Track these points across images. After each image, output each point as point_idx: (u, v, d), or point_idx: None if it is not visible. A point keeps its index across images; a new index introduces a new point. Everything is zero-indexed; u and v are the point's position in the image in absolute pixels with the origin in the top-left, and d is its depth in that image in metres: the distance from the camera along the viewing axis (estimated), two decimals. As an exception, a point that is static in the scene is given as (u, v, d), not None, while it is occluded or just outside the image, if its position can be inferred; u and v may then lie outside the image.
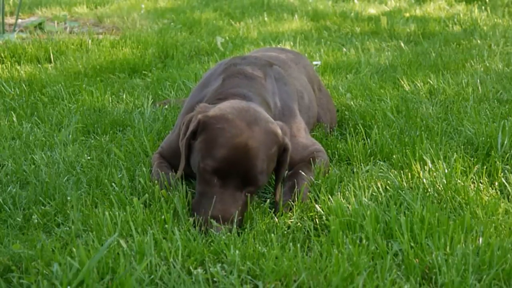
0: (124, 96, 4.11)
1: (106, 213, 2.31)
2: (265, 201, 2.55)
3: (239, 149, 2.34)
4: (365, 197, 2.48)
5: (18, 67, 4.91)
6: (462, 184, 2.55)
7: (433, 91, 4.12)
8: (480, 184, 2.63)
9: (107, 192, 2.61)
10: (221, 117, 2.41)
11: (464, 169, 2.76)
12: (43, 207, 2.50)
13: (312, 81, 3.41)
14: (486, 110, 3.59)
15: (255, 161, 2.35)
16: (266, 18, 7.34)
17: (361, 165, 2.92)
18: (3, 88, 4.25)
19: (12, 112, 3.74)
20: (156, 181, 2.61)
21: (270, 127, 2.44)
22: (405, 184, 2.63)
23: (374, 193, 2.54)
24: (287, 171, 2.72)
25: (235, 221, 2.29)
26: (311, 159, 2.76)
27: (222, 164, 2.33)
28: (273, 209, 2.49)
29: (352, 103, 3.84)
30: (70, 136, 3.33)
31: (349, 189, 2.57)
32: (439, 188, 2.56)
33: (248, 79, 2.83)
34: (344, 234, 2.21)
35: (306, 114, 3.08)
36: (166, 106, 3.85)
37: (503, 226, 2.27)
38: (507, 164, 2.84)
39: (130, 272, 1.96)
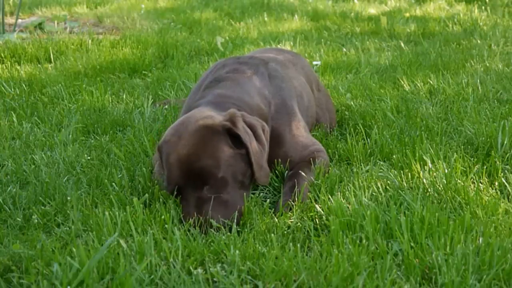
0: (124, 96, 4.11)
1: (106, 213, 2.31)
2: (265, 201, 2.54)
3: (178, 164, 2.38)
4: (365, 197, 2.48)
5: (18, 67, 4.92)
6: (462, 184, 2.55)
7: (433, 91, 4.12)
8: (480, 184, 2.63)
9: (107, 192, 2.61)
10: (163, 143, 2.49)
11: (464, 169, 2.76)
12: (43, 207, 2.50)
13: (311, 82, 3.40)
14: (486, 110, 3.59)
15: (195, 163, 2.37)
16: (266, 18, 7.34)
17: (361, 165, 2.92)
18: (3, 88, 4.25)
19: (12, 112, 3.74)
20: (156, 182, 2.61)
21: (199, 124, 2.44)
22: (405, 184, 2.63)
23: (374, 193, 2.54)
24: (287, 171, 2.72)
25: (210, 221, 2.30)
26: (311, 159, 2.76)
27: (172, 183, 2.41)
28: (273, 209, 2.49)
29: (352, 103, 3.84)
30: (70, 136, 3.33)
31: (349, 189, 2.57)
32: (439, 188, 2.56)
33: (215, 83, 2.84)
34: (344, 234, 2.21)
35: (305, 114, 3.07)
36: (166, 106, 3.85)
37: (503, 226, 2.27)
38: (507, 164, 2.84)
39: (130, 272, 1.96)
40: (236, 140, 2.45)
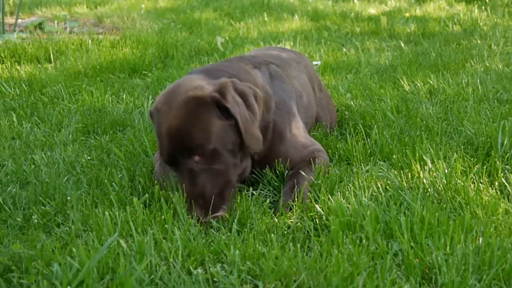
0: (124, 96, 4.11)
1: (106, 213, 2.31)
2: (265, 201, 2.54)
3: (168, 135, 2.42)
4: (365, 197, 2.48)
5: (18, 67, 4.92)
6: (462, 184, 2.55)
7: (433, 91, 4.12)
8: (480, 184, 2.63)
9: (107, 192, 2.61)
10: (154, 110, 2.54)
11: (464, 169, 2.76)
12: (43, 207, 2.50)
13: (313, 81, 3.41)
14: (486, 110, 3.59)
15: (184, 136, 2.39)
16: (266, 18, 7.34)
17: (361, 165, 2.92)
18: (3, 88, 4.25)
19: (12, 112, 3.74)
20: (156, 182, 2.61)
21: (188, 95, 2.45)
22: (405, 184, 2.63)
23: (374, 193, 2.54)
24: (287, 171, 2.72)
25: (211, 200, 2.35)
26: (311, 159, 2.76)
27: (164, 153, 2.45)
28: (273, 209, 2.49)
29: (352, 103, 3.84)
30: (70, 136, 3.33)
31: (349, 189, 2.57)
32: (439, 188, 2.56)
33: (230, 67, 2.84)
34: (344, 234, 2.21)
35: (304, 114, 3.07)
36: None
37: (503, 226, 2.27)
38: (507, 164, 2.84)
39: (130, 272, 1.96)
40: (226, 111, 2.46)
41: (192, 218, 2.32)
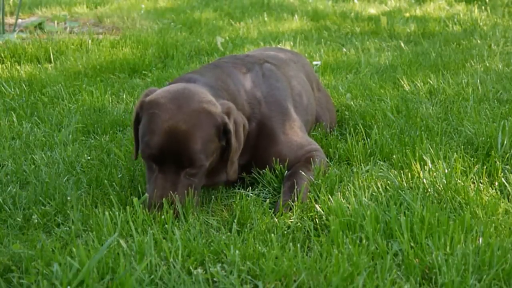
0: (124, 96, 4.11)
1: (106, 213, 2.31)
2: (265, 201, 2.54)
3: (170, 134, 2.37)
4: (365, 197, 2.48)
5: (18, 67, 4.91)
6: (462, 184, 2.55)
7: (433, 91, 4.12)
8: (480, 184, 2.63)
9: (107, 192, 2.61)
10: (154, 102, 2.45)
11: (464, 169, 2.76)
12: (43, 207, 2.50)
13: (311, 80, 3.40)
14: (486, 110, 3.59)
15: (187, 144, 2.38)
16: (266, 18, 7.34)
17: (361, 165, 2.92)
18: (3, 88, 4.25)
19: (12, 112, 3.74)
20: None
21: (203, 107, 2.43)
22: (405, 184, 2.63)
23: (374, 193, 2.54)
24: (286, 171, 2.72)
25: (179, 203, 2.36)
26: (311, 158, 2.76)
27: (155, 150, 2.39)
28: (273, 209, 2.49)
29: (352, 103, 3.84)
30: (70, 136, 3.33)
31: (349, 189, 2.57)
32: (439, 188, 2.56)
33: (214, 67, 2.87)
34: (344, 234, 2.21)
35: (304, 113, 3.07)
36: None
37: (503, 226, 2.27)
38: (507, 164, 2.84)
39: (130, 272, 1.95)
40: (225, 134, 2.48)
41: (151, 214, 2.34)
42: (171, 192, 2.37)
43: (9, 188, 2.66)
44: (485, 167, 2.78)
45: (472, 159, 2.89)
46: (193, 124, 2.39)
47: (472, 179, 2.67)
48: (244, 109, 2.72)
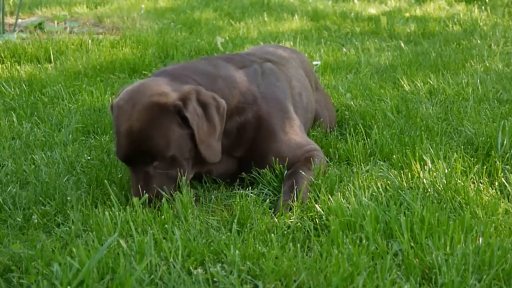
0: (124, 96, 4.11)
1: (106, 213, 2.31)
2: (265, 201, 2.54)
3: (127, 135, 2.46)
4: (365, 197, 2.48)
5: (18, 67, 4.91)
6: (462, 184, 2.55)
7: (433, 91, 4.12)
8: (480, 184, 2.63)
9: (107, 192, 2.61)
10: (115, 106, 2.56)
11: (464, 169, 2.76)
12: (43, 207, 2.50)
13: (310, 77, 3.40)
14: (486, 110, 3.59)
15: (144, 141, 2.44)
16: (266, 18, 7.34)
17: (361, 165, 2.92)
18: (3, 88, 4.25)
19: (12, 112, 3.75)
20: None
21: (153, 101, 2.47)
22: (405, 184, 2.63)
23: (374, 193, 2.54)
24: (286, 171, 2.72)
25: (156, 197, 2.44)
26: (311, 158, 2.75)
27: (120, 153, 2.50)
28: (273, 209, 2.49)
29: (352, 103, 3.84)
30: (70, 136, 3.34)
31: (349, 189, 2.57)
32: (439, 188, 2.56)
33: (201, 59, 2.91)
34: (344, 234, 2.21)
35: (304, 112, 3.06)
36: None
37: (503, 226, 2.27)
38: (507, 164, 2.84)
39: (130, 272, 1.95)
40: (186, 120, 2.49)
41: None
42: (145, 190, 2.44)
43: (9, 188, 2.66)
44: (485, 167, 2.78)
45: (472, 159, 2.89)
46: (146, 120, 2.45)
47: (472, 179, 2.66)
48: (227, 94, 2.69)
